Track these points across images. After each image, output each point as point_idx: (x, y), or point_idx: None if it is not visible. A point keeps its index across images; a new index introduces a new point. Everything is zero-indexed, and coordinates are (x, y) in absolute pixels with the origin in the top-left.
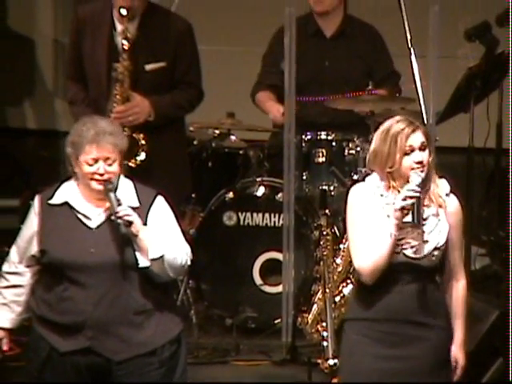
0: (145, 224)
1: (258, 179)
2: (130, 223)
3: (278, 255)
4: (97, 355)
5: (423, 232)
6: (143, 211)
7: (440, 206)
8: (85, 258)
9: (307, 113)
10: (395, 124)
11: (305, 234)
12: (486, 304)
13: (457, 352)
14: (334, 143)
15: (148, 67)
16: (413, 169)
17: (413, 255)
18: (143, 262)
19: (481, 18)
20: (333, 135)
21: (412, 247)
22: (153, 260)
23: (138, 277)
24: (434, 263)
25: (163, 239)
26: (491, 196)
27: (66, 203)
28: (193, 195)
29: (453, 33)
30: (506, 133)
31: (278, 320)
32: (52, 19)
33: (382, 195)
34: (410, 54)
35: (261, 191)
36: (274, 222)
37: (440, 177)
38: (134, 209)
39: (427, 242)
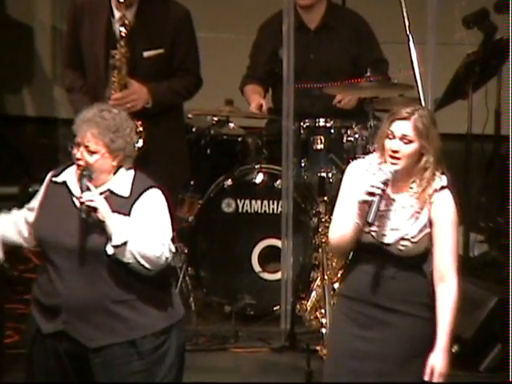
0: (128, 214)
1: (257, 166)
2: (94, 209)
3: (277, 242)
4: (72, 340)
5: (378, 226)
6: (131, 201)
7: (424, 202)
8: (64, 240)
9: (299, 102)
10: (399, 107)
11: (303, 220)
12: (484, 291)
13: (436, 359)
14: (332, 130)
15: (146, 54)
16: (389, 155)
17: (379, 238)
18: (109, 249)
19: (479, 5)
20: (331, 122)
21: (377, 231)
22: (115, 247)
23: (119, 266)
24: (404, 253)
25: (133, 227)
26: (490, 182)
27: (65, 183)
28: (191, 182)
29: (451, 19)
30: (505, 119)
31: (277, 307)
32: (50, 6)
33: (374, 174)
34: (409, 40)
35: (259, 178)
36: (273, 209)
37: (442, 173)
38: (122, 198)
39: (396, 229)
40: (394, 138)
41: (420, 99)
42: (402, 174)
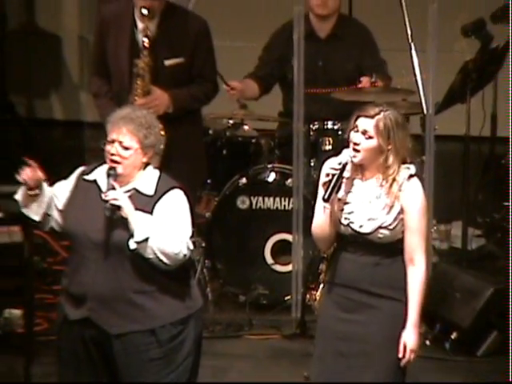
0: (151, 212)
1: (269, 166)
2: (118, 207)
3: (288, 236)
4: (97, 327)
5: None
6: (154, 200)
7: (394, 194)
8: (91, 234)
9: (309, 106)
10: (369, 105)
11: (313, 216)
12: (481, 281)
13: (407, 335)
14: (339, 132)
15: (167, 63)
16: (352, 147)
17: (358, 229)
18: (131, 243)
19: (476, 15)
20: (338, 124)
21: (351, 221)
22: (137, 242)
23: (141, 260)
24: (384, 241)
25: (154, 225)
26: (486, 181)
27: (95, 181)
28: (208, 181)
29: (450, 29)
30: (500, 122)
31: (288, 297)
32: (77, 17)
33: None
34: (411, 48)
35: (272, 177)
36: (284, 206)
37: (410, 162)
38: (147, 196)
39: (373, 219)
40: (358, 131)
41: (421, 103)
42: (367, 166)
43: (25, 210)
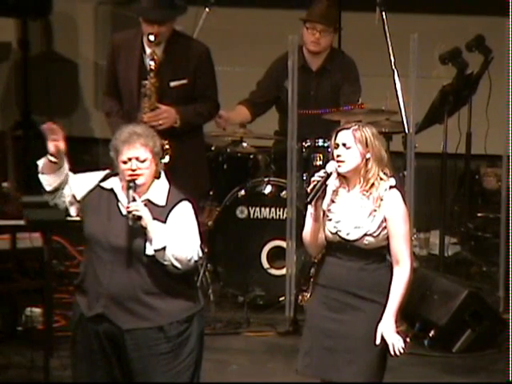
0: (165, 221)
1: (266, 179)
2: (139, 218)
3: (283, 243)
4: (110, 322)
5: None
6: (166, 210)
7: (376, 200)
8: (109, 238)
9: (302, 126)
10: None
11: (304, 225)
12: (457, 284)
13: (382, 323)
14: (329, 149)
15: (172, 84)
16: (336, 160)
17: (346, 237)
18: (149, 250)
19: (453, 45)
20: (328, 142)
21: (339, 229)
22: (155, 250)
23: (153, 263)
24: (369, 247)
25: (170, 234)
26: (462, 194)
27: (112, 190)
28: (211, 192)
29: (430, 57)
30: (474, 140)
31: (282, 298)
32: (92, 46)
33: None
34: (394, 74)
35: (268, 189)
36: (279, 216)
37: (391, 176)
38: (159, 207)
39: (359, 227)
40: (338, 146)
41: (403, 123)
42: (352, 175)
43: (41, 176)
